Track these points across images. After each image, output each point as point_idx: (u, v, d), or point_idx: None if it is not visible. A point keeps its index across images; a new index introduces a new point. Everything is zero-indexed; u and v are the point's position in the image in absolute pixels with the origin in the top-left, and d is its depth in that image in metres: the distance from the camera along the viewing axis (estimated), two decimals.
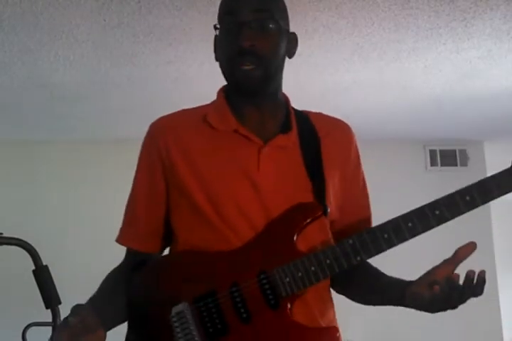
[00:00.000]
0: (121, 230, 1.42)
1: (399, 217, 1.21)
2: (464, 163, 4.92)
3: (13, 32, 2.77)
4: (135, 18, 2.68)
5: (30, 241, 2.42)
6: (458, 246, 1.31)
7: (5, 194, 4.51)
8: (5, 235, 2.36)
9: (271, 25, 1.29)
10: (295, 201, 1.26)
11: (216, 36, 1.37)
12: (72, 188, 4.52)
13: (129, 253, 1.42)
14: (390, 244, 1.20)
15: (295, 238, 1.23)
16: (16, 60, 3.10)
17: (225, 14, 1.32)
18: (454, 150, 4.94)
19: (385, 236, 1.20)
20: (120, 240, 1.42)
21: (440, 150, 4.94)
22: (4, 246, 2.37)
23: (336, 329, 1.25)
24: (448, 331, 4.57)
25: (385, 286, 1.32)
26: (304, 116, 1.40)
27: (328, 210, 1.30)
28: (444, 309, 1.18)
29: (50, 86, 3.50)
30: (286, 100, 1.40)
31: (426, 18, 2.74)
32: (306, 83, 3.46)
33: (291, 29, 1.39)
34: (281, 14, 1.34)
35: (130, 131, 4.51)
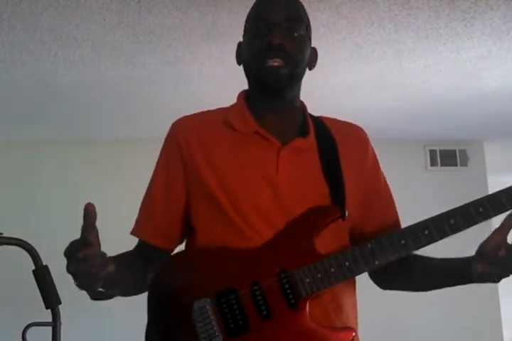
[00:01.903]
0: (138, 224, 1.45)
1: (416, 224, 1.27)
2: (464, 163, 4.92)
3: (13, 32, 2.77)
4: (135, 18, 2.68)
5: (30, 241, 2.42)
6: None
7: (5, 194, 4.51)
8: (5, 235, 2.36)
9: (301, 31, 1.36)
10: (311, 202, 1.30)
11: (240, 43, 1.42)
12: (72, 188, 4.52)
13: (142, 246, 1.44)
14: (407, 250, 1.26)
15: (314, 239, 1.26)
16: (15, 60, 3.10)
17: (257, 18, 1.36)
18: (454, 150, 4.94)
19: (402, 242, 1.25)
20: (137, 233, 1.45)
21: (440, 150, 4.93)
22: (4, 246, 2.37)
23: (351, 330, 1.27)
24: (448, 331, 4.58)
25: (441, 271, 1.36)
26: (319, 122, 1.44)
27: (347, 214, 1.32)
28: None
29: (50, 86, 3.50)
30: (304, 107, 1.45)
31: (426, 18, 2.74)
32: (306, 83, 3.44)
33: None
34: (308, 24, 1.41)
35: (130, 131, 4.52)
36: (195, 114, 1.46)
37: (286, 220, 1.29)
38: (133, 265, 1.39)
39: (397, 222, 1.45)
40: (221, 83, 3.41)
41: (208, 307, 1.24)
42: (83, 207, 1.18)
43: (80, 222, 1.20)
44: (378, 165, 1.47)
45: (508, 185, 1.25)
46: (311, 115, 1.44)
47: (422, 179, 4.87)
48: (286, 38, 1.32)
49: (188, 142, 1.38)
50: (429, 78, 3.53)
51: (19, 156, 4.60)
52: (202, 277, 1.28)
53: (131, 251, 1.44)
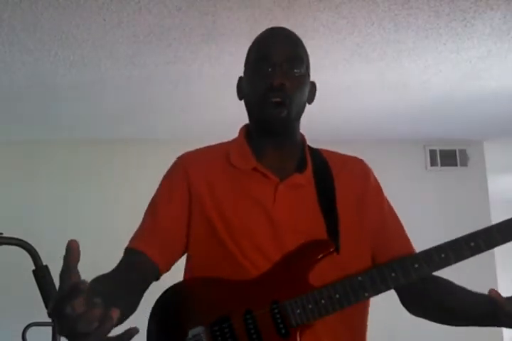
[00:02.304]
0: (139, 237, 1.40)
1: (407, 257, 1.30)
2: (464, 163, 4.92)
3: (13, 32, 2.78)
4: (135, 18, 2.68)
5: (30, 241, 2.42)
6: None
7: (5, 194, 4.51)
8: (5, 235, 2.36)
9: (301, 70, 1.40)
10: (308, 237, 1.33)
11: (241, 78, 1.46)
12: (72, 188, 4.52)
13: (136, 259, 1.36)
14: (397, 283, 1.29)
15: (308, 272, 1.29)
16: (16, 60, 3.10)
17: (258, 58, 1.40)
18: (454, 150, 4.94)
19: (393, 274, 1.28)
20: (138, 245, 1.37)
21: (440, 150, 4.93)
22: (4, 246, 2.37)
23: None
24: (448, 330, 4.57)
25: (469, 308, 1.44)
26: (318, 155, 1.47)
27: (340, 247, 1.33)
28: None
29: (50, 86, 3.51)
30: (303, 139, 1.48)
31: (426, 18, 2.75)
32: None
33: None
34: (308, 62, 1.45)
35: (130, 131, 4.52)
36: (198, 150, 1.50)
37: (282, 253, 1.32)
38: (127, 286, 1.28)
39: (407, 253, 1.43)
40: (221, 83, 3.41)
41: (202, 335, 1.27)
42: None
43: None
44: (382, 196, 1.47)
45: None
46: (310, 147, 1.48)
47: (422, 179, 4.87)
48: (286, 77, 1.36)
49: (193, 176, 1.40)
50: (429, 78, 3.53)
51: (19, 156, 4.60)
52: (198, 306, 1.32)
53: (116, 271, 1.31)
